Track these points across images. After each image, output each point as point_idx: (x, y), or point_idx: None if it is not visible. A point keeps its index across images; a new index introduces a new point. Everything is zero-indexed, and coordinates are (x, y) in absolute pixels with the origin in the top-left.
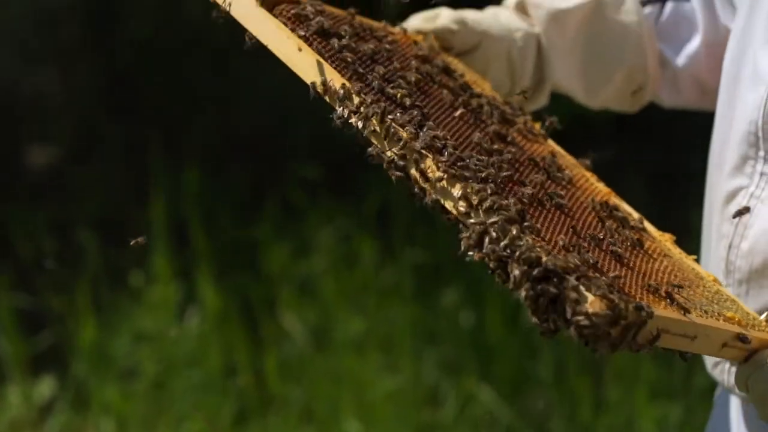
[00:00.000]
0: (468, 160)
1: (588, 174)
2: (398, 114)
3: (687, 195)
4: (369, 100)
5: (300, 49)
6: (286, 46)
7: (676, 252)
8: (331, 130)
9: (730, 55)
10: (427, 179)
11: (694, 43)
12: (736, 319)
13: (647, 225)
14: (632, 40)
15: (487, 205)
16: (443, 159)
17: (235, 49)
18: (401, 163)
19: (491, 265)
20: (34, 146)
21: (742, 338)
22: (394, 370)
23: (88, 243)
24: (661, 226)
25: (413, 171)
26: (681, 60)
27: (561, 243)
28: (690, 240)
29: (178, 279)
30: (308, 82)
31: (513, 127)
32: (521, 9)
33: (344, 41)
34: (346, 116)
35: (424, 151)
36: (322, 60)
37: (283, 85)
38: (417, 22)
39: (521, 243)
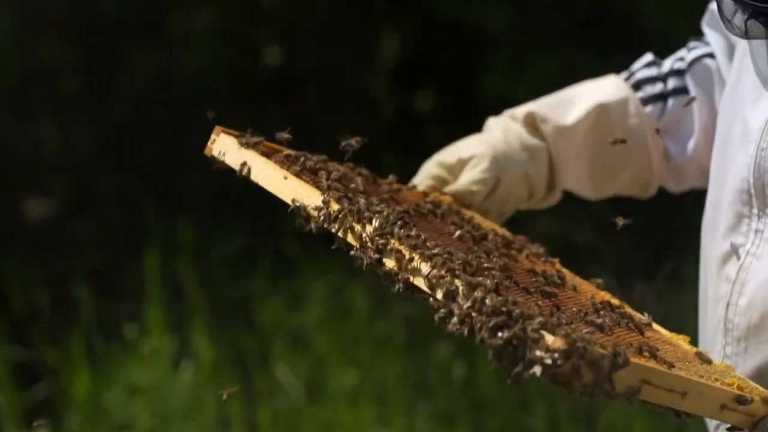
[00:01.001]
0: (442, 250)
1: (601, 292)
2: (377, 221)
3: (680, 247)
4: (347, 204)
5: (286, 178)
6: (274, 178)
7: (691, 349)
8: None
9: (722, 118)
10: (400, 260)
11: (696, 133)
12: (736, 384)
13: (657, 326)
14: (636, 142)
15: (459, 279)
16: (412, 240)
17: (231, 103)
18: (377, 251)
19: (465, 331)
20: (32, 199)
21: (741, 400)
22: (388, 422)
23: (83, 295)
24: (652, 276)
25: (387, 260)
26: (685, 152)
27: (537, 309)
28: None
29: (172, 331)
30: (290, 201)
31: (520, 252)
32: (530, 122)
33: (334, 175)
34: (321, 221)
35: (400, 230)
36: (307, 183)
37: (274, 139)
38: (428, 182)
39: (487, 300)
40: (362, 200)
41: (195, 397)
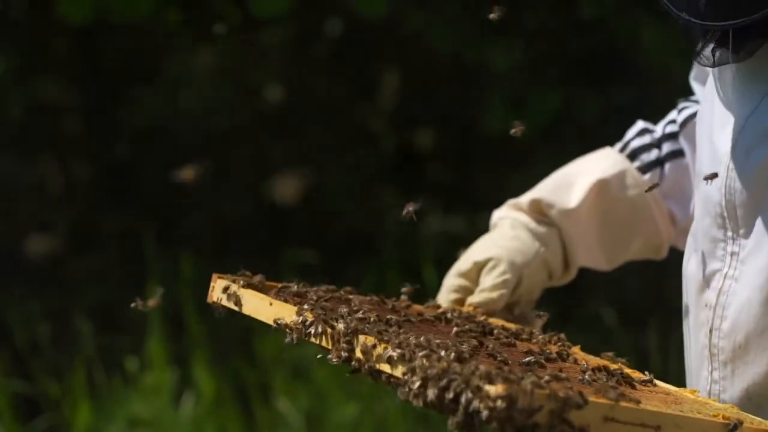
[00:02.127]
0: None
1: (612, 364)
2: (342, 323)
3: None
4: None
5: (271, 304)
6: (261, 306)
7: (693, 396)
8: (325, 215)
9: (698, 153)
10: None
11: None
12: (720, 415)
13: (661, 383)
14: (641, 212)
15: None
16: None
17: (231, 140)
18: (346, 347)
19: (421, 402)
20: (34, 235)
21: (732, 427)
22: None
23: (84, 328)
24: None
25: (356, 351)
26: (688, 213)
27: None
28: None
29: (173, 364)
30: (272, 322)
31: (529, 341)
32: (536, 209)
33: (317, 296)
34: (298, 335)
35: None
36: (288, 304)
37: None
38: (450, 296)
39: (435, 368)
40: (344, 309)
41: (196, 429)
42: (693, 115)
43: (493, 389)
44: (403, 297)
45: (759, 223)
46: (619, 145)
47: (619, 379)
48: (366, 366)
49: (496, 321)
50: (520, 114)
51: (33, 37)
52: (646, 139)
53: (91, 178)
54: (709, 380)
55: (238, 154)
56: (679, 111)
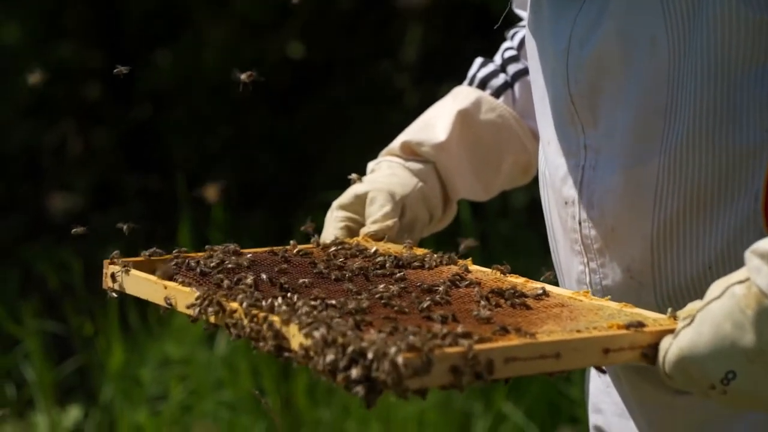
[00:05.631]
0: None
1: (507, 277)
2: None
3: None
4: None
5: (165, 287)
6: (151, 289)
7: (587, 301)
8: (348, 168)
9: (530, 58)
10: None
11: None
12: (616, 324)
13: (554, 290)
14: (504, 131)
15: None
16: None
17: (253, 99)
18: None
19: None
20: (56, 194)
21: (634, 329)
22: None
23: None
24: None
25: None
26: None
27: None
28: None
29: None
30: (162, 301)
31: (422, 268)
32: (408, 150)
33: (207, 266)
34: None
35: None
36: (177, 284)
37: (300, 132)
38: (337, 232)
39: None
40: (226, 281)
41: (229, 369)
42: (525, 36)
43: (400, 358)
44: (292, 242)
45: (604, 108)
46: (466, 81)
47: (513, 301)
48: (269, 345)
49: (384, 248)
50: None
51: (52, 1)
52: (490, 68)
53: (111, 141)
54: (586, 272)
55: (260, 112)
56: (511, 37)
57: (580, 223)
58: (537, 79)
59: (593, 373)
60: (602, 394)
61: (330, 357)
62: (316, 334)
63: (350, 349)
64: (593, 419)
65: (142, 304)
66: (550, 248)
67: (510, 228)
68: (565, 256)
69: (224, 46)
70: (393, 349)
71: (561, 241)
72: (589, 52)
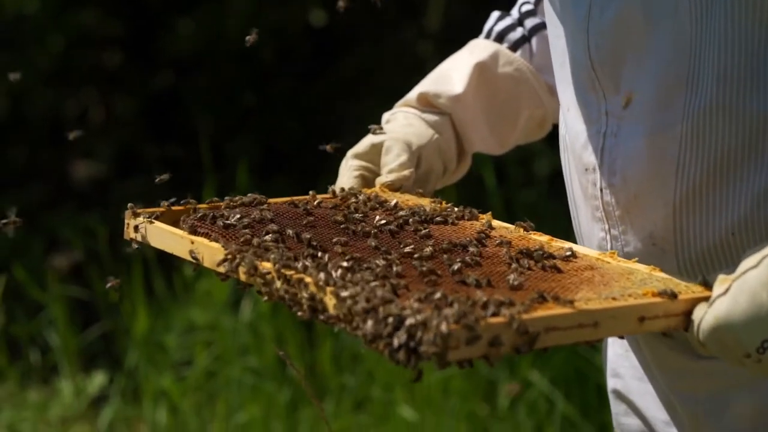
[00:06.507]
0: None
1: (530, 234)
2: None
3: None
4: (234, 248)
5: (192, 242)
6: (175, 242)
7: (615, 263)
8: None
9: (548, 16)
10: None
11: None
12: (650, 292)
13: (581, 249)
14: (521, 84)
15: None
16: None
17: (276, 66)
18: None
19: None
20: (79, 162)
21: (668, 295)
22: None
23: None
24: None
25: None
26: None
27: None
28: None
29: None
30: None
31: (445, 224)
32: (424, 102)
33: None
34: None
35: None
36: (204, 239)
37: (323, 99)
38: (352, 181)
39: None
40: (255, 240)
41: (254, 335)
42: None
43: (445, 328)
44: (312, 192)
45: (625, 74)
46: (483, 35)
47: (543, 263)
48: (304, 308)
49: (403, 199)
50: None
51: None
52: (507, 21)
53: (133, 109)
54: (607, 239)
55: (282, 79)
56: None
57: (601, 190)
58: (557, 45)
59: (611, 338)
60: (620, 358)
61: (370, 324)
62: (356, 303)
63: (391, 319)
64: (612, 383)
65: (167, 270)
66: (570, 215)
67: (534, 197)
68: (587, 223)
69: (247, 13)
70: (437, 321)
71: (582, 207)
72: (610, 18)
